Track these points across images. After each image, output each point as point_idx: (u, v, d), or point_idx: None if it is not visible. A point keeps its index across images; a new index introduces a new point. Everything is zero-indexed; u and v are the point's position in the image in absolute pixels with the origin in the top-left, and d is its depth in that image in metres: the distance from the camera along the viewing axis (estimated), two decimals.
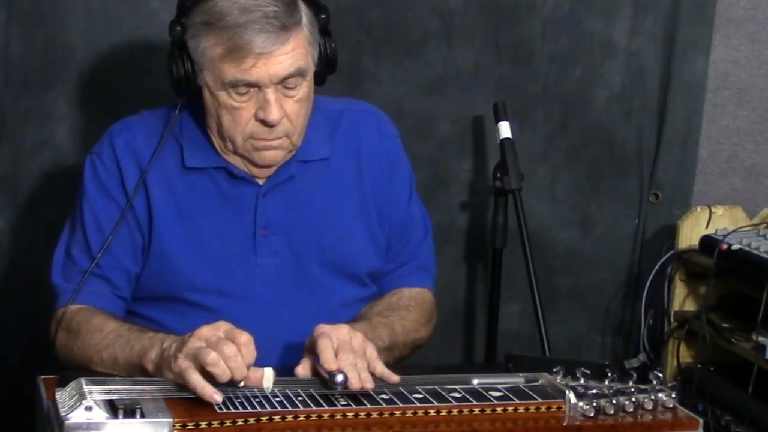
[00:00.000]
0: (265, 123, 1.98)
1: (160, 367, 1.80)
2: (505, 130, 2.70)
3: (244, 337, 1.74)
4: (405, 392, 1.76)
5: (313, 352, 1.83)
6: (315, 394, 1.73)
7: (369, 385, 1.76)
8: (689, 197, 2.94)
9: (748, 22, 2.91)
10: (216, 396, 1.68)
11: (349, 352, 1.80)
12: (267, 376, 1.76)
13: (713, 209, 2.75)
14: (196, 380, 1.70)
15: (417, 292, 2.21)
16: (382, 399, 1.73)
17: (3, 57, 2.60)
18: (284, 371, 1.83)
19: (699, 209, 2.77)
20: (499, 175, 2.66)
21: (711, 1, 2.86)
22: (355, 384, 1.74)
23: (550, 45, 2.87)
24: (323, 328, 1.85)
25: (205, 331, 1.76)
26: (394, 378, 1.81)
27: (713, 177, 2.97)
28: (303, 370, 1.83)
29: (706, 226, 2.73)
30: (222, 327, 1.77)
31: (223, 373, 1.70)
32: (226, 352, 1.71)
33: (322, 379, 1.79)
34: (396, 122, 2.29)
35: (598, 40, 2.88)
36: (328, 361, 1.77)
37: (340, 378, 1.73)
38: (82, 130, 2.66)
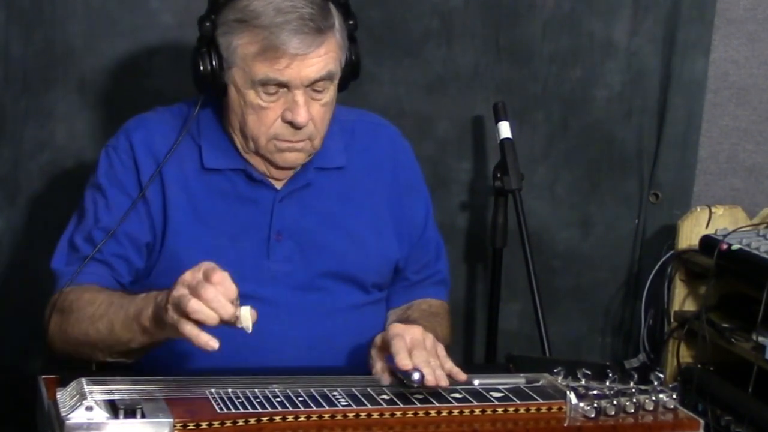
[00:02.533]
0: (292, 124, 1.98)
1: (157, 323, 1.79)
2: (505, 130, 2.70)
3: (218, 275, 1.71)
4: (405, 393, 1.77)
5: (384, 351, 1.86)
6: (315, 394, 1.73)
7: (444, 382, 1.78)
8: (689, 197, 2.94)
9: (748, 22, 2.91)
10: (212, 342, 1.67)
11: (423, 350, 1.82)
12: (243, 316, 1.72)
13: (713, 209, 2.75)
14: (190, 331, 1.69)
15: (439, 303, 2.26)
16: (383, 399, 1.74)
17: (3, 57, 2.59)
18: (292, 371, 1.83)
19: (699, 209, 2.77)
20: (499, 175, 2.66)
21: (711, 1, 2.86)
22: (430, 380, 1.76)
23: (550, 45, 2.87)
24: (397, 328, 1.87)
25: (187, 276, 1.73)
26: (462, 376, 1.83)
27: (713, 177, 2.97)
28: (384, 372, 1.84)
29: (706, 226, 2.73)
30: (202, 267, 1.74)
31: (208, 317, 1.68)
32: (205, 295, 1.69)
33: (398, 378, 1.81)
34: (396, 122, 2.30)
35: (598, 40, 2.88)
36: (404, 360, 1.79)
37: (417, 376, 1.75)
38: (82, 130, 2.66)
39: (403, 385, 1.79)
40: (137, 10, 2.65)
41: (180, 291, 1.72)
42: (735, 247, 2.54)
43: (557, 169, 2.94)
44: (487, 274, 2.85)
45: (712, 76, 2.91)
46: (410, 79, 2.85)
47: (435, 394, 1.77)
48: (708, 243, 2.62)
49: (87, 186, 2.10)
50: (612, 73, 2.90)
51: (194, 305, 1.68)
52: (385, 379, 1.84)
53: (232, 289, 1.71)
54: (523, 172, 2.67)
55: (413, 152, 2.26)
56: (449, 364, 1.84)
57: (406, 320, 2.12)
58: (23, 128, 2.64)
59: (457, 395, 1.77)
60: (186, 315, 1.69)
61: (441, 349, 1.87)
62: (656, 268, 2.83)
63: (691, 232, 2.74)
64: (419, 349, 1.82)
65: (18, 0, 2.59)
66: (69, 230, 2.10)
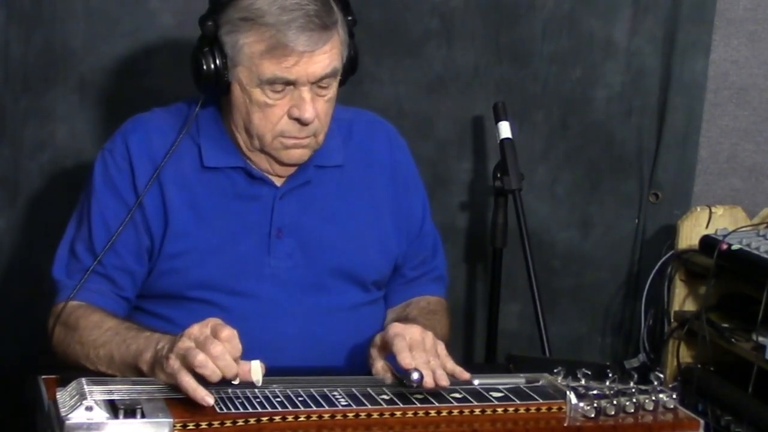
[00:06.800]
0: (299, 121, 1.99)
1: (155, 369, 1.79)
2: (505, 130, 2.70)
3: (226, 332, 1.73)
4: (405, 393, 1.77)
5: (383, 350, 1.87)
6: (315, 394, 1.73)
7: (444, 382, 1.78)
8: (689, 197, 2.94)
9: (748, 22, 2.91)
10: (208, 398, 1.67)
11: (422, 351, 1.82)
12: (254, 369, 1.75)
13: (713, 209, 2.75)
14: (188, 383, 1.69)
15: (437, 300, 2.25)
16: (383, 399, 1.74)
17: (3, 57, 2.59)
18: (290, 371, 1.83)
19: (699, 209, 2.77)
20: (499, 175, 2.66)
21: (711, 1, 2.86)
22: (429, 382, 1.76)
23: (550, 45, 2.87)
24: (397, 327, 1.87)
25: (195, 330, 1.75)
26: (466, 375, 1.83)
27: (713, 177, 2.97)
28: (386, 372, 1.86)
29: (706, 226, 2.73)
30: (210, 323, 1.76)
31: (212, 373, 1.70)
32: (213, 351, 1.70)
33: (397, 378, 1.82)
34: (396, 122, 2.30)
35: (598, 40, 2.88)
36: (406, 359, 1.79)
37: (416, 376, 1.75)
38: (82, 130, 2.66)
39: (403, 385, 1.79)
40: (137, 10, 2.65)
41: (187, 343, 1.73)
42: (735, 247, 2.55)
43: (557, 169, 2.94)
44: (487, 274, 2.85)
45: (712, 76, 2.92)
46: (410, 79, 2.84)
47: (435, 394, 1.77)
48: (708, 243, 2.62)
49: (84, 188, 2.10)
50: (612, 73, 2.90)
51: (202, 359, 1.69)
52: (388, 378, 1.85)
53: (238, 348, 1.74)
54: (523, 172, 2.67)
55: (409, 150, 2.26)
56: (450, 364, 1.84)
57: (405, 319, 2.11)
58: (23, 128, 2.64)
59: (456, 395, 1.77)
60: (190, 367, 1.70)
61: (441, 348, 1.87)
62: (656, 268, 2.83)
63: (691, 232, 2.75)
64: (418, 350, 1.82)
65: (18, 0, 2.59)
66: (68, 236, 2.10)
